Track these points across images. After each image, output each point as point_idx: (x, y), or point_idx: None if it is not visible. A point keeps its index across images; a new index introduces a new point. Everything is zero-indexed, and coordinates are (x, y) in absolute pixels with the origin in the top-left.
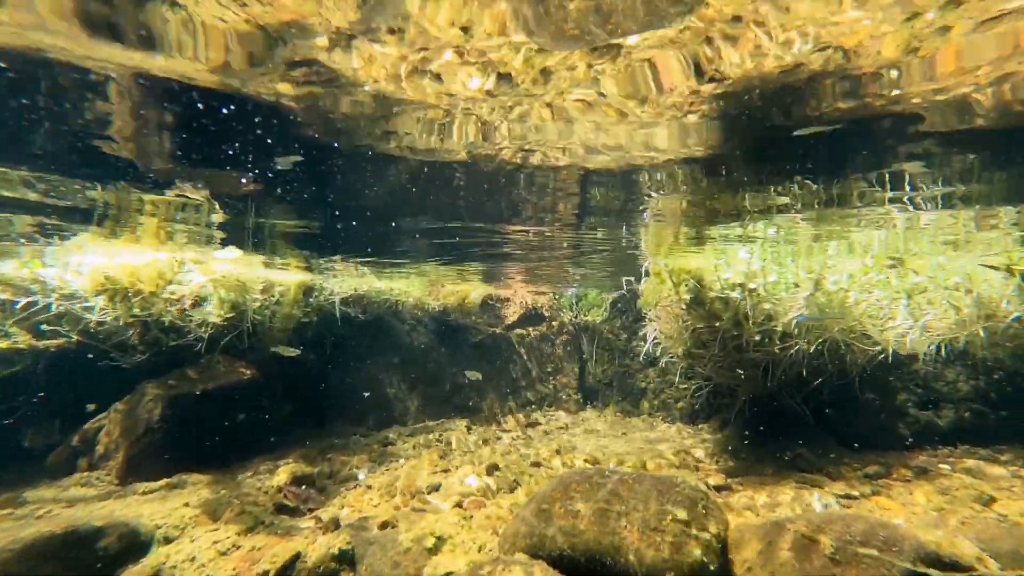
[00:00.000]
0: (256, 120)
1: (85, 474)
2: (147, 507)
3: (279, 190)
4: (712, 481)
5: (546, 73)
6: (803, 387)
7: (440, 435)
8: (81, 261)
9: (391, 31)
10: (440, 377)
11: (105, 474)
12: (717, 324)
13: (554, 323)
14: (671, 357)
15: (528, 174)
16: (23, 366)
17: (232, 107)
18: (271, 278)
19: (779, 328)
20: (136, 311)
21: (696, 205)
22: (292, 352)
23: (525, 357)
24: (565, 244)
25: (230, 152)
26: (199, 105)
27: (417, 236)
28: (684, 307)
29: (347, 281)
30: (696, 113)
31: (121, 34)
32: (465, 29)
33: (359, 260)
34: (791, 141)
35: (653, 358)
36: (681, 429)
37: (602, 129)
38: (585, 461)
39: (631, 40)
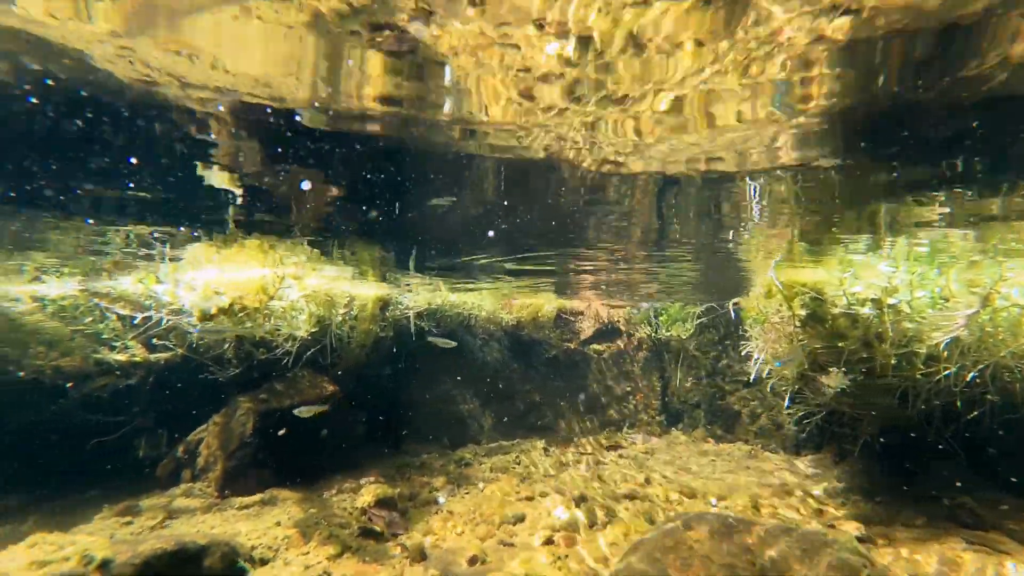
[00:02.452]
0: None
1: (188, 485)
2: (243, 524)
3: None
4: (846, 529)
5: (635, 40)
6: (953, 420)
7: (517, 457)
8: (195, 277)
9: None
10: (513, 394)
11: (205, 486)
12: (840, 344)
13: (632, 338)
14: (778, 379)
15: (605, 182)
16: (137, 378)
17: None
18: (352, 292)
19: (923, 350)
20: (250, 325)
21: (810, 212)
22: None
23: (602, 374)
24: (643, 258)
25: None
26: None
27: (491, 248)
28: (798, 324)
29: (421, 295)
30: (810, 92)
31: None
32: None
33: (434, 274)
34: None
35: (748, 378)
36: (787, 459)
37: (687, 127)
38: (680, 494)
39: None
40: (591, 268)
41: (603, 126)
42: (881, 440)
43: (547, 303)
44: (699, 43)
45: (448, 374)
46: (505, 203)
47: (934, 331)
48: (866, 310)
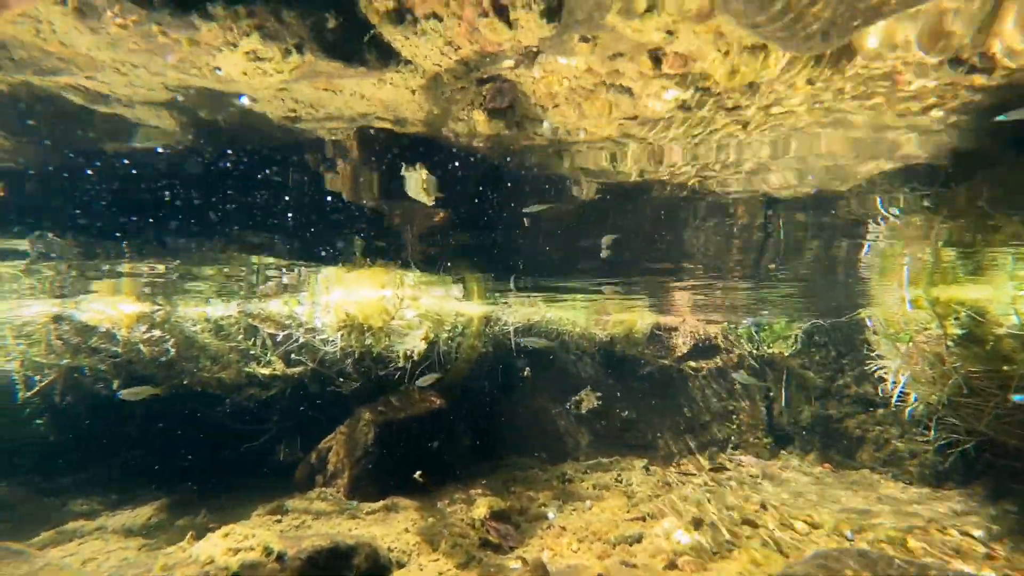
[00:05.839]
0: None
1: (321, 490)
2: (375, 528)
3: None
4: None
5: (753, 88)
6: None
7: (618, 475)
8: (329, 301)
9: (584, 39)
10: (608, 411)
11: (335, 491)
12: (1005, 368)
13: (731, 355)
14: (918, 404)
15: (703, 202)
16: (276, 390)
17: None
18: (458, 310)
19: None
20: (369, 342)
21: (957, 223)
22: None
23: (700, 392)
24: (743, 280)
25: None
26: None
27: (585, 270)
28: (951, 345)
29: (519, 311)
30: (943, 108)
31: (364, 60)
32: (670, 32)
33: (533, 293)
34: None
35: (872, 400)
36: (926, 492)
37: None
38: (805, 523)
39: (871, 43)
40: (688, 286)
41: (706, 139)
42: None
43: (640, 319)
44: (810, 82)
45: (544, 390)
46: (600, 225)
47: None
48: None
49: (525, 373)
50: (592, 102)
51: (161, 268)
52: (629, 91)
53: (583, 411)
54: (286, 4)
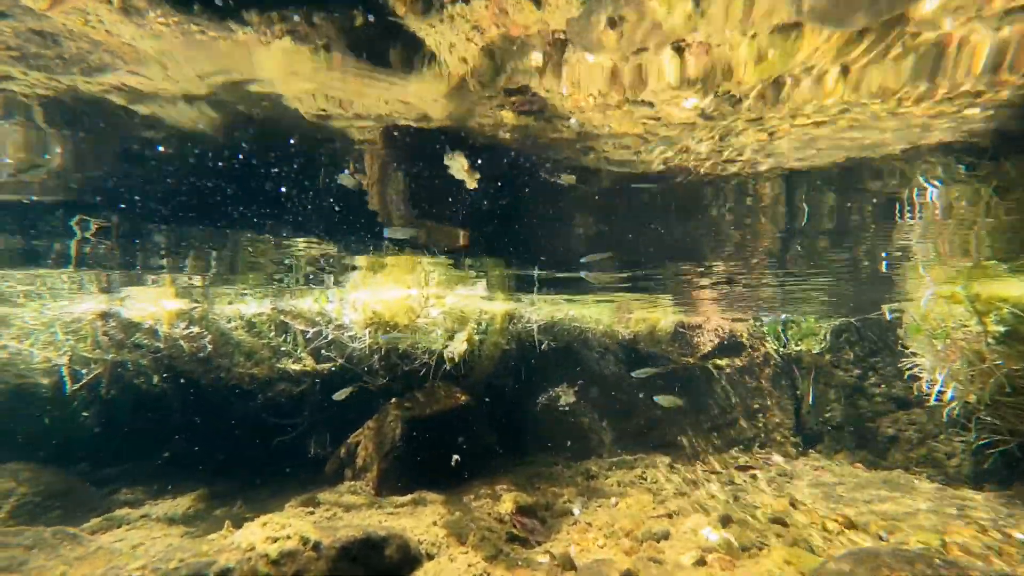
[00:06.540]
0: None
1: (350, 483)
2: (404, 521)
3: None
4: None
5: (778, 87)
6: None
7: (643, 472)
8: (357, 298)
9: (611, 23)
10: (632, 409)
11: (364, 484)
12: None
13: (756, 353)
14: (956, 402)
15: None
16: (307, 385)
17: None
18: (482, 307)
19: None
20: (396, 339)
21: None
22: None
23: (725, 390)
24: (768, 272)
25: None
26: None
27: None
28: (991, 342)
29: (543, 308)
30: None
31: (389, 61)
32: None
33: (554, 291)
34: None
35: (905, 399)
36: (964, 493)
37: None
38: (837, 523)
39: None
40: (711, 283)
41: (732, 138)
42: None
43: (664, 317)
44: (845, 70)
45: (567, 387)
46: (621, 220)
47: None
48: None
49: (542, 347)
50: (617, 113)
51: (202, 263)
52: (651, 105)
53: (560, 406)
54: (316, 7)
